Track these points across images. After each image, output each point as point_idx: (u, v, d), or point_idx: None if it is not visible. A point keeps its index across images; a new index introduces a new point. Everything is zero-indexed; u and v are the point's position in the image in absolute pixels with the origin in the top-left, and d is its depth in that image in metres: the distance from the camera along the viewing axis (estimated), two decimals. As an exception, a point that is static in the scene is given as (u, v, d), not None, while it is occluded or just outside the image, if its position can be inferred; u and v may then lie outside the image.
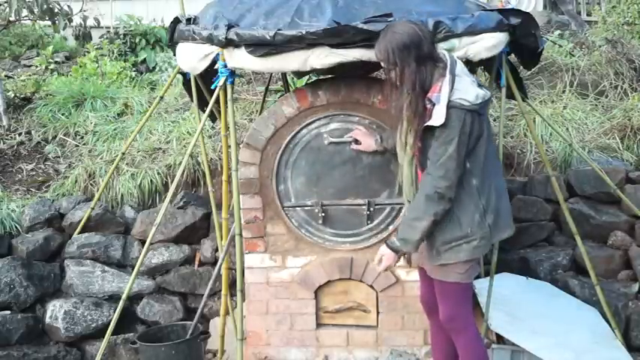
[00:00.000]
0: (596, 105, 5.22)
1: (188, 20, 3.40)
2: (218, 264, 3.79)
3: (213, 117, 4.01)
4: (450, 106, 2.56)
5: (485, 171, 2.70)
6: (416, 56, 2.59)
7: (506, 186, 2.90)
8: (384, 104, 3.22)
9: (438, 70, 2.65)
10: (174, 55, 3.65)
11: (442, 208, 2.63)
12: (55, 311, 4.23)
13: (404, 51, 2.58)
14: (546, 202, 4.40)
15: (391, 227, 3.38)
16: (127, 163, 4.83)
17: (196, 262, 4.45)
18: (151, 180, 4.73)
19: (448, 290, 2.80)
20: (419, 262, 2.96)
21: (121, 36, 7.21)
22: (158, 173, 4.75)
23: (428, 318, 3.10)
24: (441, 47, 3.00)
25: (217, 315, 4.11)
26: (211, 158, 4.68)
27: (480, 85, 2.71)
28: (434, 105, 2.58)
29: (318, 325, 3.52)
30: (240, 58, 3.14)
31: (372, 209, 3.38)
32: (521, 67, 4.21)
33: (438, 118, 2.57)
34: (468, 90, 2.63)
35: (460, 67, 2.71)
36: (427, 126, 2.61)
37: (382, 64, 2.69)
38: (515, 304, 3.58)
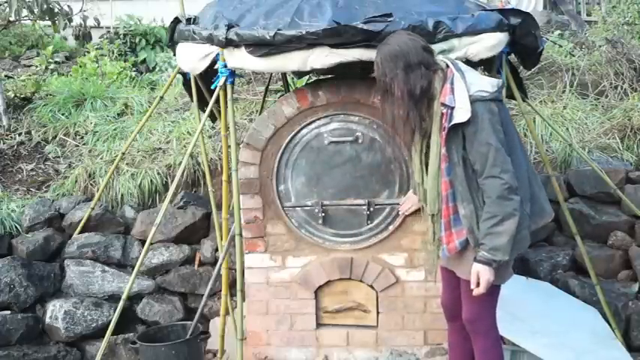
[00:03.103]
0: (596, 105, 5.22)
1: (188, 20, 3.40)
2: (218, 264, 3.79)
3: (213, 117, 4.01)
4: (472, 100, 2.55)
5: (515, 160, 2.65)
6: (404, 65, 2.59)
7: (534, 170, 2.87)
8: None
9: (437, 75, 2.65)
10: (174, 55, 3.65)
11: (517, 200, 2.56)
12: (55, 311, 4.23)
13: (391, 61, 2.61)
14: (546, 202, 4.40)
15: (391, 227, 3.37)
16: (127, 163, 4.83)
17: (196, 262, 4.45)
18: (151, 180, 4.73)
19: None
20: (447, 265, 2.86)
21: (121, 36, 7.22)
22: (158, 173, 4.75)
23: (448, 322, 3.03)
24: (441, 47, 3.01)
25: (217, 315, 4.11)
26: (211, 158, 4.68)
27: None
28: (451, 108, 2.57)
29: (318, 325, 3.52)
30: (240, 58, 3.14)
31: (372, 209, 3.37)
32: (521, 67, 4.21)
33: (462, 114, 2.54)
34: (482, 81, 2.64)
35: (462, 64, 2.73)
36: (453, 132, 2.58)
37: (375, 75, 2.70)
38: (515, 304, 3.57)
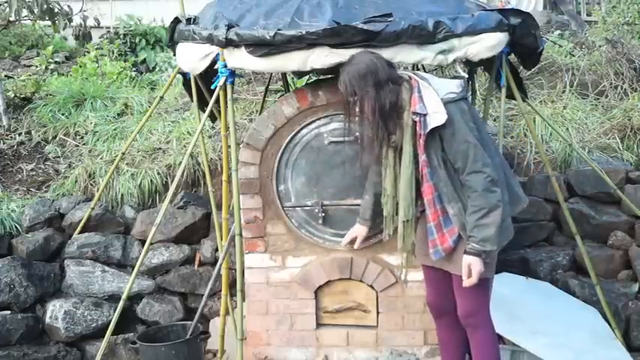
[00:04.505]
0: (596, 105, 5.22)
1: (188, 20, 3.40)
2: (218, 264, 3.80)
3: (213, 117, 4.01)
4: (444, 102, 2.64)
5: (488, 152, 2.72)
6: (374, 83, 2.65)
7: (504, 159, 2.98)
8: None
9: (404, 86, 2.72)
10: (174, 55, 3.65)
11: (499, 192, 2.66)
12: (55, 311, 4.23)
13: (361, 80, 2.67)
14: (546, 202, 4.40)
15: (391, 227, 3.37)
16: (127, 163, 4.83)
17: (196, 262, 4.45)
18: (151, 180, 4.73)
19: (473, 285, 2.75)
20: (435, 264, 2.89)
21: (121, 36, 7.22)
22: (158, 173, 4.75)
23: (435, 320, 3.07)
24: (441, 47, 3.01)
25: (217, 315, 4.11)
26: (211, 158, 4.68)
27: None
28: (423, 116, 2.64)
29: (318, 325, 3.52)
30: (240, 58, 3.14)
31: (371, 209, 3.37)
32: (521, 67, 4.21)
33: (439, 118, 2.62)
34: (447, 84, 2.73)
35: (423, 73, 2.85)
36: (430, 137, 2.65)
37: (343, 95, 2.74)
38: (515, 304, 3.58)
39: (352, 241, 3.23)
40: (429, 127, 2.63)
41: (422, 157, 2.69)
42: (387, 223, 2.92)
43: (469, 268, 2.68)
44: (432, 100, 2.65)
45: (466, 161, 2.65)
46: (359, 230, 3.20)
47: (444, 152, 2.68)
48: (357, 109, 2.73)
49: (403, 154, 2.73)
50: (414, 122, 2.67)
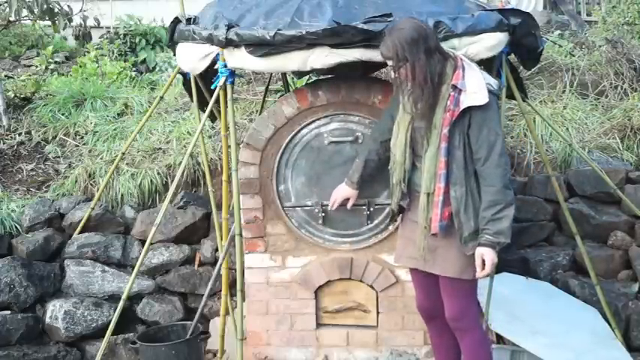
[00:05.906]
0: (596, 105, 5.22)
1: (188, 20, 3.40)
2: (218, 264, 3.80)
3: (213, 117, 4.01)
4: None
5: None
6: (425, 49, 2.61)
7: None
8: (384, 104, 3.22)
9: (449, 61, 2.69)
10: (174, 55, 3.65)
11: (512, 189, 2.70)
12: (55, 311, 4.23)
13: (413, 45, 2.60)
14: (546, 202, 4.40)
15: (391, 227, 3.37)
16: (127, 163, 4.83)
17: (196, 262, 4.45)
18: (151, 180, 4.73)
19: (461, 288, 2.77)
20: (419, 265, 2.86)
21: (121, 36, 7.22)
22: (158, 173, 4.75)
23: (427, 324, 3.05)
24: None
25: (217, 315, 4.11)
26: (211, 158, 4.68)
27: None
28: (460, 91, 2.62)
29: (318, 325, 3.52)
30: (240, 58, 3.14)
31: (372, 209, 3.37)
32: (521, 67, 4.21)
33: (479, 98, 2.60)
34: (487, 75, 2.73)
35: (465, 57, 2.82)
36: (460, 116, 2.63)
37: (391, 62, 2.67)
38: (515, 304, 3.58)
39: (343, 204, 3.18)
40: (464, 105, 2.60)
41: (444, 131, 2.65)
42: (394, 190, 2.88)
43: (482, 259, 2.67)
44: (474, 80, 2.63)
45: (490, 152, 2.64)
46: (347, 192, 3.15)
47: (467, 137, 2.66)
48: (406, 76, 2.65)
49: (434, 125, 2.69)
50: (449, 96, 2.64)
